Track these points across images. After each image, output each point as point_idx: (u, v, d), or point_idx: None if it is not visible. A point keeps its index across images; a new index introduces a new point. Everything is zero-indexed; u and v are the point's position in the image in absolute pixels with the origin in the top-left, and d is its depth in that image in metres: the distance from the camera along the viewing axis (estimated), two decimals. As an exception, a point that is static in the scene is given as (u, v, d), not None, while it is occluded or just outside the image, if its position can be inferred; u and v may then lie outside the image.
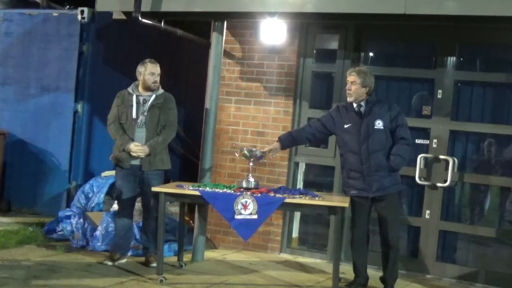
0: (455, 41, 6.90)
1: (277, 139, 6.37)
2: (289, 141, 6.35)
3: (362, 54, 7.34)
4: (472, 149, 7.01)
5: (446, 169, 6.77)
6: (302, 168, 7.61)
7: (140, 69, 6.54)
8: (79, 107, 8.54)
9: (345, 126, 6.05)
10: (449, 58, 6.91)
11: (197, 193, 6.01)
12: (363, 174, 5.95)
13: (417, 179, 6.86)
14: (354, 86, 5.98)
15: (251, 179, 6.14)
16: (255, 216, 5.80)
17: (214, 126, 7.11)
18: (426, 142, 6.96)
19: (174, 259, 6.77)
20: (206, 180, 6.96)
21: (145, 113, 6.48)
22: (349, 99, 6.05)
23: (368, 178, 5.93)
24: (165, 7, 6.96)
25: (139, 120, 6.48)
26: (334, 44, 7.44)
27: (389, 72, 7.25)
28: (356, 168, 5.98)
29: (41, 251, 6.81)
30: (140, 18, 7.02)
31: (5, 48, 9.03)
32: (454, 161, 6.78)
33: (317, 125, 6.24)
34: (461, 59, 6.99)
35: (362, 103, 6.03)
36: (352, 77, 6.00)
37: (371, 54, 7.48)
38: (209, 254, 7.21)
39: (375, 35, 7.36)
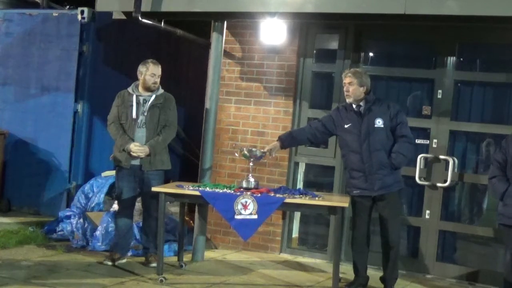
0: (455, 41, 6.90)
1: (277, 139, 6.38)
2: (289, 141, 6.36)
3: (362, 54, 7.34)
4: (472, 149, 7.01)
5: (446, 169, 6.78)
6: (302, 168, 7.61)
7: (142, 68, 6.52)
8: (79, 107, 8.54)
9: (346, 126, 6.06)
10: (449, 58, 6.91)
11: (197, 193, 6.01)
12: (365, 173, 5.95)
13: (417, 179, 6.86)
14: (352, 87, 6.00)
15: (251, 179, 6.14)
16: (255, 216, 5.80)
17: (214, 126, 7.11)
18: (426, 142, 6.96)
19: (174, 259, 6.77)
20: (206, 180, 6.96)
21: (145, 113, 6.47)
22: (348, 100, 6.07)
23: (370, 176, 5.93)
24: (165, 7, 6.95)
25: (139, 120, 6.47)
26: (334, 44, 7.43)
27: (389, 72, 7.25)
28: (358, 167, 5.98)
29: (41, 251, 6.81)
30: (140, 18, 7.02)
31: (5, 48, 9.03)
32: (454, 161, 6.78)
33: (317, 125, 6.25)
34: (461, 59, 6.99)
35: (361, 103, 6.05)
36: (348, 79, 6.03)
37: (371, 54, 7.48)
38: (209, 254, 7.21)
39: (375, 35, 7.36)
